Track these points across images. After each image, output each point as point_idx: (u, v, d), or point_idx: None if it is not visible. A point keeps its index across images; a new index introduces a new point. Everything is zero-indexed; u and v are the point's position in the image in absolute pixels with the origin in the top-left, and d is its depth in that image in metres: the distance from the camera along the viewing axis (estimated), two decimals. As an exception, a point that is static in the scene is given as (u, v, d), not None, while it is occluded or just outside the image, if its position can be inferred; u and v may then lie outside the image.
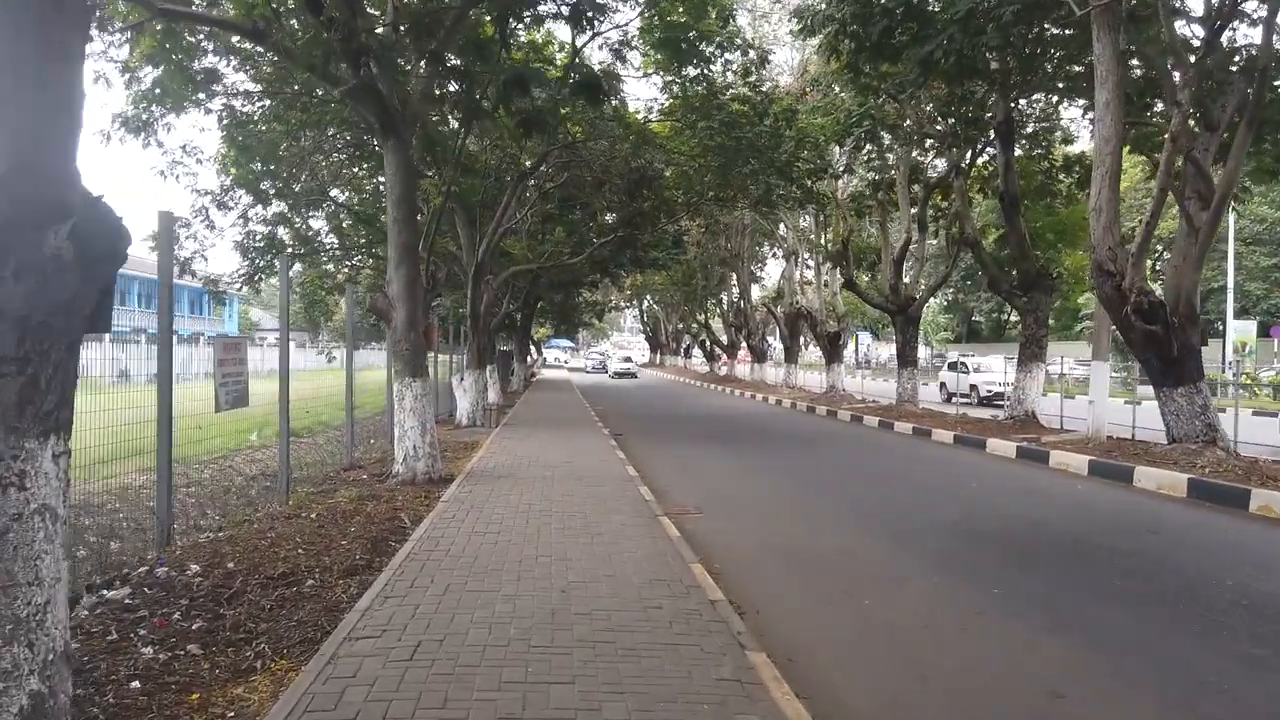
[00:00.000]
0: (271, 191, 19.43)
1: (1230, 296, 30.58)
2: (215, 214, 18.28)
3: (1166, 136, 13.08)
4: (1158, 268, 29.91)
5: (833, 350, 30.43)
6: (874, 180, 24.05)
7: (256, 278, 19.50)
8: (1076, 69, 18.60)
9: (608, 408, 26.31)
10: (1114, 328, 15.31)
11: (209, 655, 4.50)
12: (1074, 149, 23.60)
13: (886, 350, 71.51)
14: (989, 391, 27.80)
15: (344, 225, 22.52)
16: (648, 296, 63.91)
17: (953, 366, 31.15)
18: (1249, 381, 28.52)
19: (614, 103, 19.31)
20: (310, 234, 21.22)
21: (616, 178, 20.33)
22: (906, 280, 24.39)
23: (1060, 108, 22.09)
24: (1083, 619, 5.72)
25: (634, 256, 25.88)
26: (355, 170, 20.51)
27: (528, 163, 18.69)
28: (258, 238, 19.23)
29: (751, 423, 22.59)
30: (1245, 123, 13.04)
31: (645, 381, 52.19)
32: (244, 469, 12.29)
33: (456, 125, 15.18)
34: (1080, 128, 32.44)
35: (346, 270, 24.37)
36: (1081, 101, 20.32)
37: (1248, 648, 5.13)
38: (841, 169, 23.20)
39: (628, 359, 62.85)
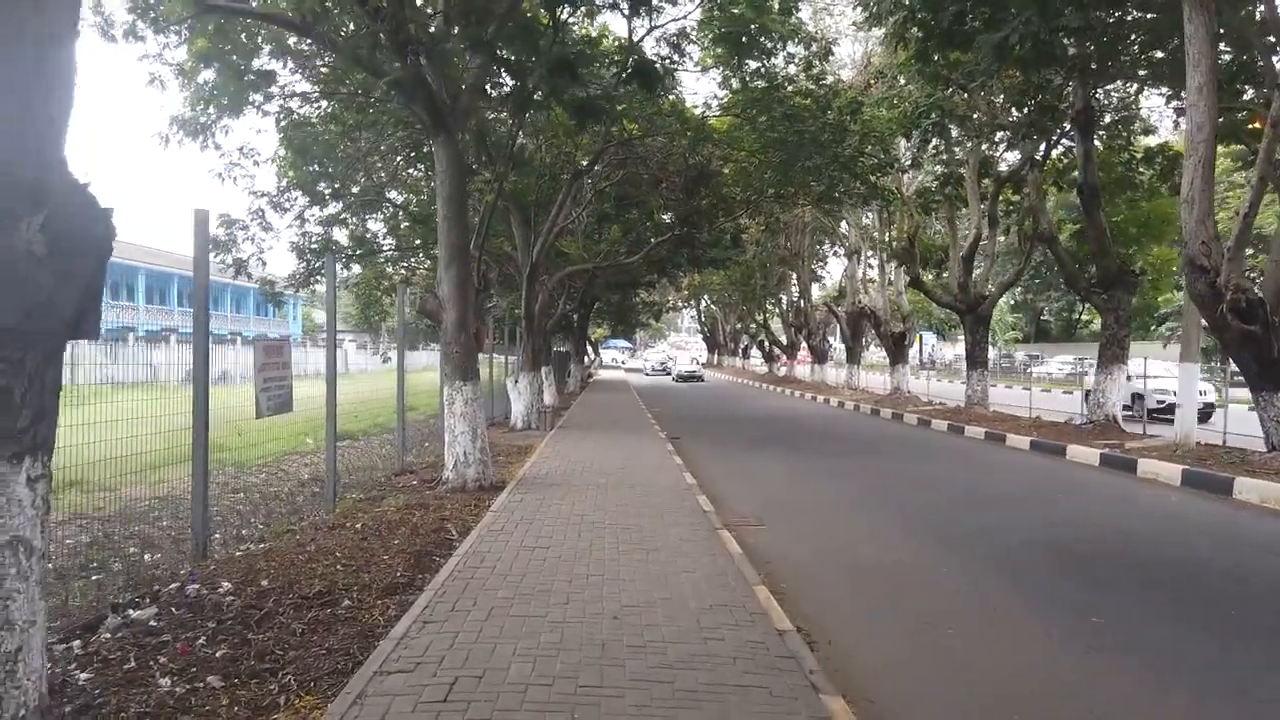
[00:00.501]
0: (328, 193, 19.40)
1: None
2: (272, 215, 18.30)
3: (1267, 122, 12.13)
4: (1251, 264, 28.33)
5: (897, 351, 29.52)
6: (942, 175, 23.11)
7: (312, 279, 19.46)
8: (1159, 55, 17.58)
9: (664, 410, 25.84)
10: (1204, 326, 14.39)
11: (230, 689, 4.13)
12: (1154, 140, 22.45)
13: (951, 351, 69.82)
14: (1161, 402, 21.07)
15: (401, 226, 22.46)
16: (705, 296, 63.27)
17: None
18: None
19: (671, 98, 18.85)
20: (367, 235, 21.15)
21: (674, 175, 19.82)
22: (975, 278, 23.40)
23: (1141, 97, 20.97)
24: (1206, 659, 5.05)
25: (691, 255, 25.31)
26: (412, 171, 20.40)
27: (584, 160, 18.29)
28: (313, 239, 19.20)
29: (813, 425, 21.89)
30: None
31: (703, 382, 51.62)
32: (298, 473, 12.10)
33: (509, 120, 14.85)
34: (1162, 117, 31.08)
35: (403, 271, 24.34)
36: (1164, 90, 19.23)
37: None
38: (908, 163, 22.31)
39: (694, 360, 60.25)
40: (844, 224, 37.18)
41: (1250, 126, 16.19)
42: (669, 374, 61.07)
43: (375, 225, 22.64)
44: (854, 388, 34.54)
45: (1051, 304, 64.43)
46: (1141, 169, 20.79)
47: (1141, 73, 19.17)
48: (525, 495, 9.58)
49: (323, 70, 15.08)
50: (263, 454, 12.49)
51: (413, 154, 18.81)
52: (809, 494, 11.22)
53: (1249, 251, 27.98)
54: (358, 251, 20.45)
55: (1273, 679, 4.80)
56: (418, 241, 22.27)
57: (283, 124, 16.13)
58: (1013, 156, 23.43)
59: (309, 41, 12.38)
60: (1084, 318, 62.37)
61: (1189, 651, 5.19)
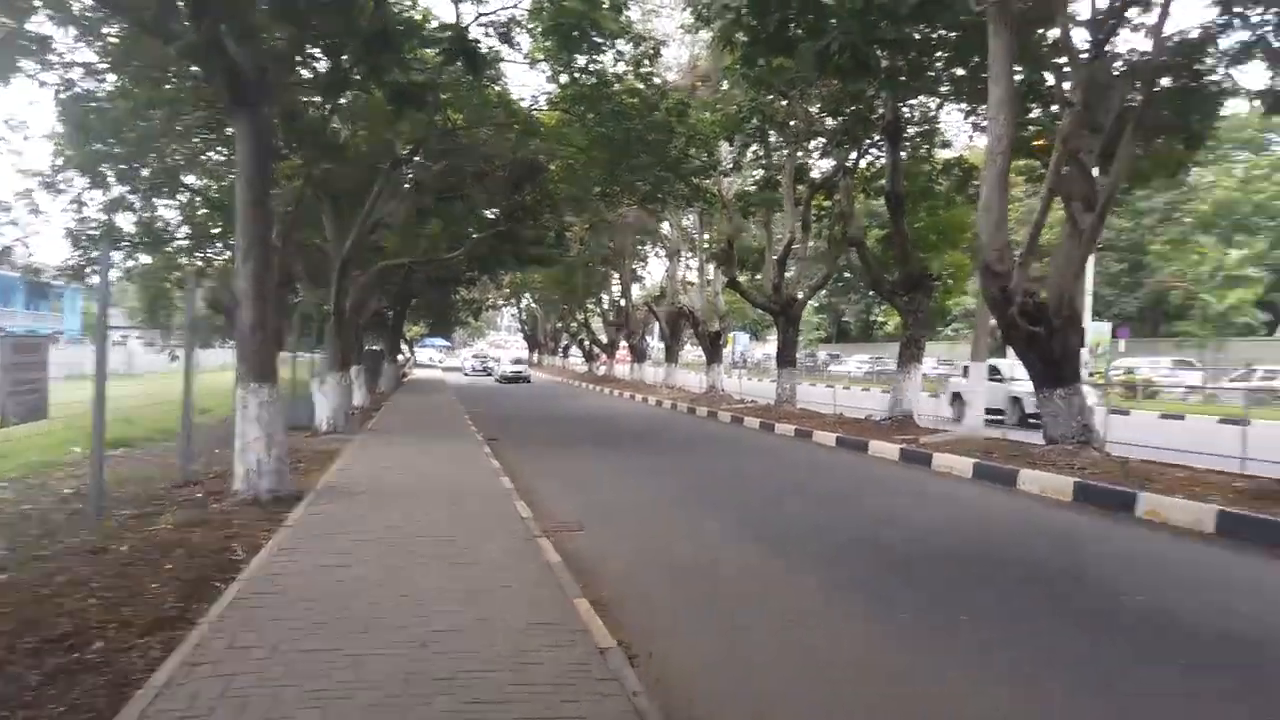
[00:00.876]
0: (111, 175, 17.45)
1: (1090, 300, 31.95)
2: (42, 197, 16.26)
3: (1057, 138, 13.07)
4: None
5: (713, 350, 30.15)
6: (764, 179, 23.76)
7: (88, 270, 17.46)
8: (960, 72, 18.75)
9: (482, 411, 25.13)
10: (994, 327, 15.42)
11: (-70, 765, 3.36)
12: (950, 153, 23.96)
13: (761, 350, 72.59)
14: None
15: (198, 213, 20.60)
16: (526, 295, 62.62)
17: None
18: (1100, 381, 29.76)
19: (497, 88, 18.27)
20: (157, 223, 19.20)
21: (499, 169, 19.22)
22: (788, 280, 24.20)
23: (941, 112, 22.34)
24: (1010, 641, 5.18)
25: (515, 252, 24.74)
26: (213, 155, 18.69)
27: (404, 149, 17.34)
28: (93, 225, 17.21)
29: (632, 424, 21.92)
30: (1132, 126, 13.20)
31: (529, 384, 50.85)
32: (58, 488, 10.65)
33: (323, 103, 13.82)
34: (959, 132, 33.34)
35: (198, 262, 22.35)
36: (963, 105, 20.56)
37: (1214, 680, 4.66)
38: (730, 166, 22.74)
39: (519, 360, 53.61)
40: (665, 225, 37.69)
41: (1036, 144, 17.46)
42: (490, 374, 56.68)
43: (169, 212, 20.69)
44: (671, 386, 35.04)
45: (852, 306, 68.18)
46: (940, 179, 22.12)
47: (943, 89, 20.42)
48: (327, 506, 8.82)
49: (112, 40, 13.49)
50: (17, 465, 10.96)
51: (213, 135, 17.24)
52: (628, 494, 11.05)
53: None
54: (144, 240, 18.51)
55: (1015, 652, 4.96)
56: (216, 230, 20.51)
57: (62, 97, 14.30)
58: (825, 164, 24.43)
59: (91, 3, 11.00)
60: (880, 320, 66.42)
61: (1000, 639, 5.31)
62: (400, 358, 47.11)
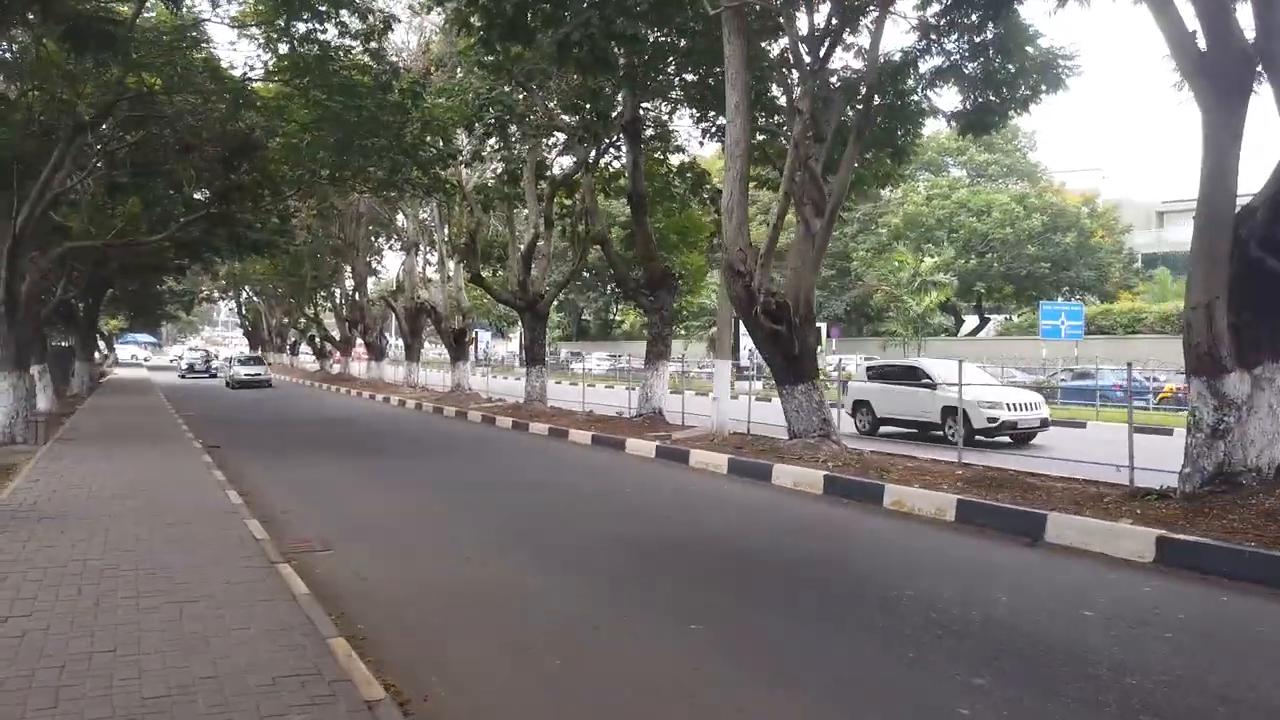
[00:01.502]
0: None
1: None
2: None
3: (790, 144, 13.65)
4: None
5: (458, 348, 29.17)
6: (506, 172, 23.17)
7: None
8: (691, 78, 19.30)
9: (200, 414, 22.55)
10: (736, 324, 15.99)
11: None
12: (681, 158, 24.69)
13: (504, 347, 71.93)
14: (993, 420, 15.60)
15: None
16: (246, 288, 57.53)
17: (883, 375, 18.26)
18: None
19: (202, 55, 16.27)
20: None
21: (208, 143, 17.12)
22: (533, 277, 23.81)
23: (674, 116, 22.94)
24: (786, 643, 5.06)
25: (232, 236, 22.31)
26: None
27: (89, 114, 14.90)
28: None
29: (376, 426, 20.58)
30: (854, 136, 14.06)
31: (271, 388, 46.50)
32: None
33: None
34: (690, 138, 34.54)
35: None
36: (694, 111, 21.21)
37: (966, 675, 4.74)
38: (469, 157, 21.89)
39: (256, 358, 43.66)
40: (400, 216, 36.01)
41: (768, 151, 18.32)
42: (214, 375, 47.96)
43: None
44: (414, 385, 33.55)
45: (592, 304, 69.32)
46: (676, 182, 22.69)
47: (674, 94, 20.94)
48: (0, 536, 7.19)
49: None
50: None
51: None
52: (379, 505, 10.12)
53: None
54: None
55: (837, 656, 4.91)
56: None
57: None
58: (566, 161, 24.32)
59: None
60: (618, 319, 68.12)
61: (765, 638, 5.19)
62: (97, 355, 41.45)
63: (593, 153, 20.01)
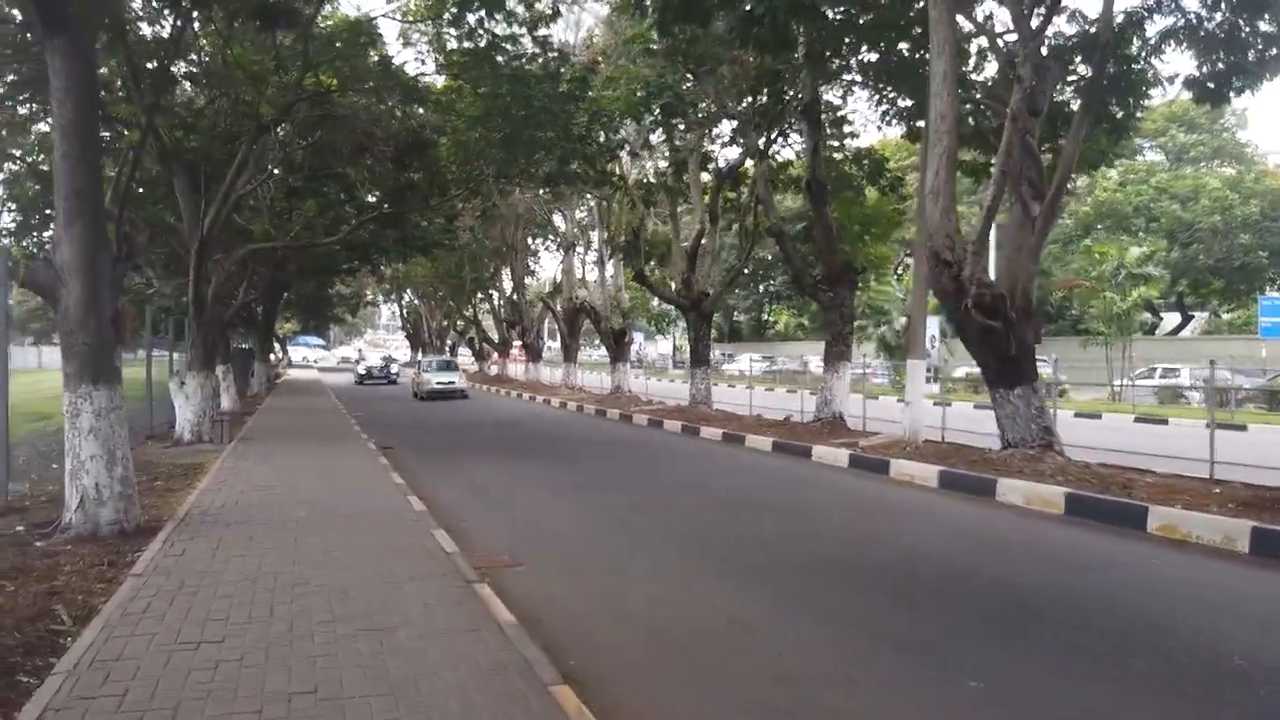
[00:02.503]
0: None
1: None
2: None
3: (1007, 118, 12.17)
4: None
5: (617, 348, 28.67)
6: (670, 164, 22.44)
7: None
8: (870, 57, 17.94)
9: (369, 414, 22.87)
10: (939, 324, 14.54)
11: None
12: (859, 143, 23.26)
13: (655, 349, 71.59)
14: None
15: (28, 190, 17.70)
16: (408, 291, 59.54)
17: None
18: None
19: (375, 55, 16.24)
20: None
21: (381, 142, 17.13)
22: (698, 274, 22.94)
23: (848, 99, 21.55)
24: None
25: (401, 238, 22.56)
26: (43, 127, 15.94)
27: (269, 118, 15.06)
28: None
29: (540, 429, 20.18)
30: (1083, 106, 12.44)
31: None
32: None
33: (171, 24, 11.43)
34: (866, 122, 32.85)
35: (31, 249, 19.33)
36: (870, 94, 19.80)
37: None
38: (640, 147, 21.17)
39: (448, 363, 36.23)
40: (558, 217, 36.02)
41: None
42: (394, 382, 42.94)
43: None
44: (572, 387, 33.39)
45: (743, 304, 67.98)
46: (852, 169, 21.29)
47: (847, 77, 19.58)
48: (189, 544, 6.84)
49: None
50: None
51: (41, 103, 14.59)
52: (560, 514, 9.42)
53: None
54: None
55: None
56: (50, 211, 17.63)
57: None
58: (731, 154, 23.36)
59: None
60: (771, 319, 66.49)
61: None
62: (273, 357, 43.62)
63: (767, 139, 18.91)
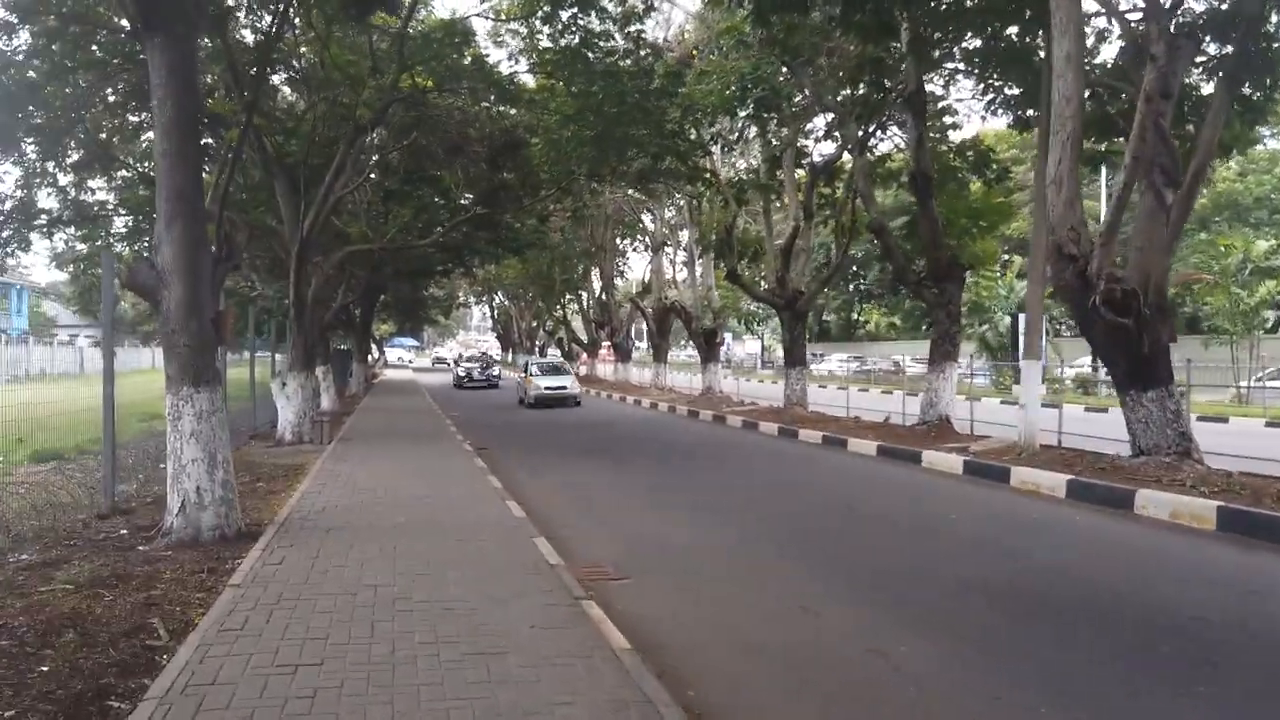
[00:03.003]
0: (32, 147, 15.15)
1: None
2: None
3: (1140, 99, 11.23)
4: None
5: (709, 349, 28.15)
6: (765, 160, 21.83)
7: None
8: (973, 44, 17.05)
9: (464, 415, 22.92)
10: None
11: None
12: (961, 134, 22.16)
13: (743, 349, 70.71)
14: None
15: (140, 193, 18.27)
16: (499, 292, 60.21)
17: None
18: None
19: (468, 55, 16.18)
20: (85, 200, 16.82)
21: (476, 142, 17.05)
22: (793, 272, 22.26)
23: (949, 89, 20.57)
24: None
25: (494, 240, 22.56)
26: (151, 138, 16.40)
27: (366, 119, 15.11)
28: (3, 200, 14.87)
29: (634, 431, 19.84)
30: (1221, 84, 11.42)
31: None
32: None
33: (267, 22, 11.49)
34: (969, 111, 31.40)
35: (142, 250, 19.98)
36: (965, 84, 18.84)
37: None
38: (734, 140, 20.59)
39: (557, 366, 31.96)
40: (647, 217, 35.73)
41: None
42: (496, 385, 39.59)
43: (107, 195, 18.33)
44: (661, 387, 33.02)
45: (832, 303, 66.54)
46: (955, 161, 20.31)
47: (950, 66, 18.65)
48: (289, 551, 6.66)
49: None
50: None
51: (145, 113, 14.98)
52: (664, 522, 9.00)
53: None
54: (64, 220, 16.12)
55: None
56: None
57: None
58: (826, 149, 22.62)
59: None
60: (861, 319, 64.88)
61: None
62: (370, 358, 44.56)
63: (866, 131, 18.15)
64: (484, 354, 51.79)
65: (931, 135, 19.58)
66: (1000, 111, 18.47)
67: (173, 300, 7.06)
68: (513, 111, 17.51)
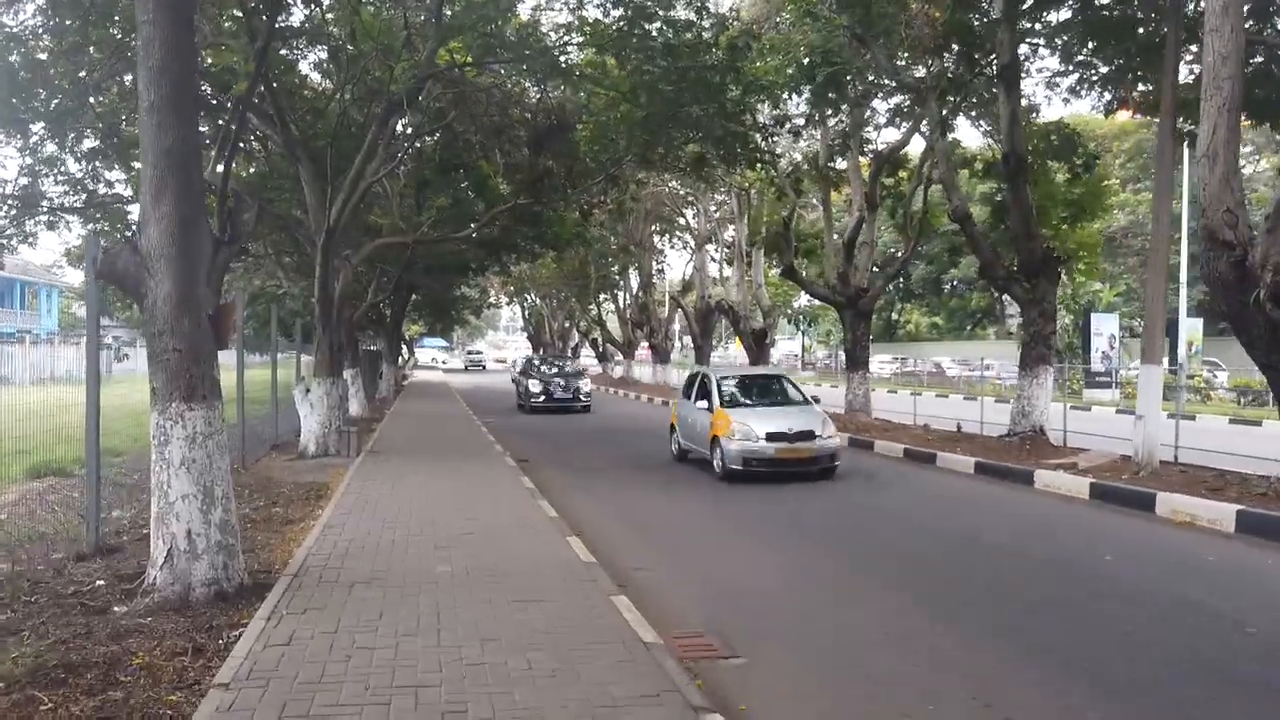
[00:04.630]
0: (39, 132, 13.89)
1: (1184, 290, 28.22)
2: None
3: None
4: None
5: (759, 350, 26.39)
6: (831, 145, 20.17)
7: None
8: (1060, 15, 15.34)
9: (498, 421, 21.40)
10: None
11: None
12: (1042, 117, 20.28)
13: (776, 352, 68.66)
14: None
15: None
16: (531, 292, 58.77)
17: None
18: (1201, 385, 26.20)
19: (516, 20, 14.64)
20: (95, 187, 15.50)
21: (519, 122, 15.52)
22: (856, 267, 20.52)
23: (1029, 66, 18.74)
24: None
25: (535, 235, 21.03)
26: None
27: (396, 92, 13.61)
28: (9, 187, 13.58)
29: (652, 440, 18.18)
30: None
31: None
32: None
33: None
34: (1048, 95, 29.27)
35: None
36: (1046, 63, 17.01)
37: None
38: (802, 121, 18.82)
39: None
40: (689, 212, 34.11)
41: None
42: (587, 407, 25.96)
43: (122, 186, 17.05)
44: (703, 390, 31.30)
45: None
46: (1036, 143, 18.44)
47: (1031, 41, 16.90)
48: (301, 620, 5.11)
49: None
50: None
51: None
52: (750, 563, 7.42)
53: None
54: (75, 207, 14.82)
55: None
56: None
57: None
58: (889, 136, 20.92)
59: None
60: (903, 319, 62.69)
61: None
62: (400, 358, 43.22)
63: (946, 111, 16.39)
64: (571, 360, 37.25)
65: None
66: (1087, 92, 16.73)
67: (160, 293, 5.57)
68: (559, 91, 15.93)
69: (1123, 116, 24.63)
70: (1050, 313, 15.36)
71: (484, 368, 73.45)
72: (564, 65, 14.37)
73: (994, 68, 15.03)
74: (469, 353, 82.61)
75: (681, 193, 31.93)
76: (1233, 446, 12.37)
